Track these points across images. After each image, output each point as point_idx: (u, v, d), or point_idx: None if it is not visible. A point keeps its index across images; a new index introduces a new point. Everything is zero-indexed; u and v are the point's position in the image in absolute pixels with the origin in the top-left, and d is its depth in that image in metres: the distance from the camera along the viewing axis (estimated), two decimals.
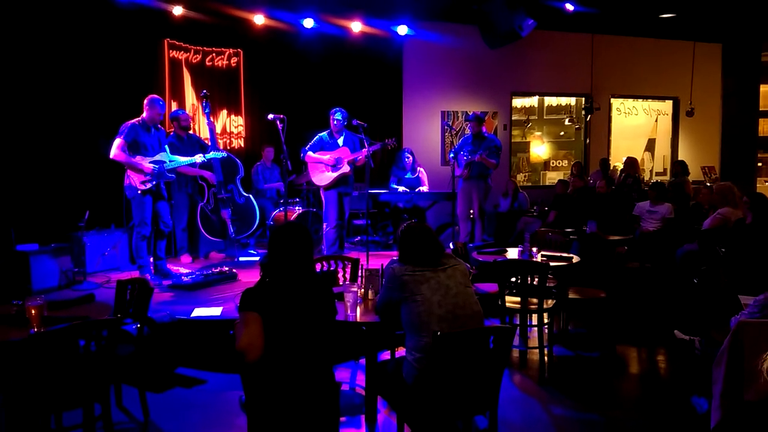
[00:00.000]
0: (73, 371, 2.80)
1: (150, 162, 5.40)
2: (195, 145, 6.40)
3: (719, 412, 2.66)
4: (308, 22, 8.12)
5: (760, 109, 11.28)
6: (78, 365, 2.81)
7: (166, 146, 5.64)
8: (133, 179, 5.39)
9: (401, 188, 7.69)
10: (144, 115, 5.45)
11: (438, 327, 2.64)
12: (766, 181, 11.92)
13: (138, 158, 5.36)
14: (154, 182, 5.41)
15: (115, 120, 6.73)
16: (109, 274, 5.97)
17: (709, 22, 9.69)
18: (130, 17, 7.09)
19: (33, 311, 2.86)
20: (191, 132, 6.85)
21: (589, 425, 3.52)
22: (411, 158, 7.83)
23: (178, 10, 7.43)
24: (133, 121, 5.41)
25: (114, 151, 5.29)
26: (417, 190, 7.70)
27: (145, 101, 5.48)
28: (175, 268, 6.03)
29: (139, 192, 5.39)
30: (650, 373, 4.46)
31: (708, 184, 8.81)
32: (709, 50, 10.79)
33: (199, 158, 5.82)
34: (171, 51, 7.62)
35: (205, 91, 6.29)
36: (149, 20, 7.30)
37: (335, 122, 6.27)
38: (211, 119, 6.42)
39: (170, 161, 5.56)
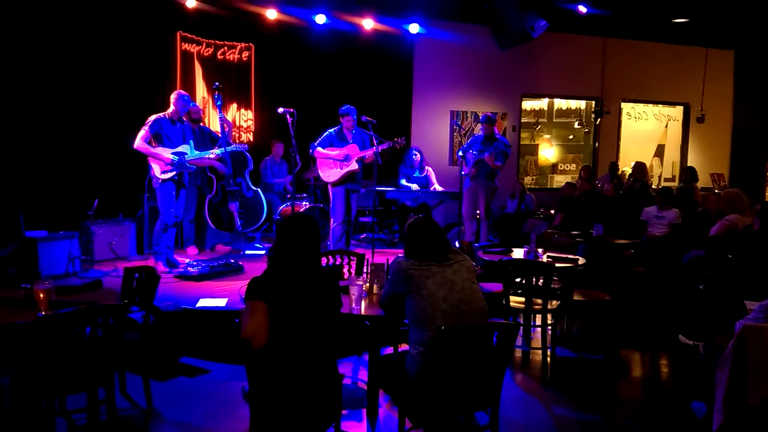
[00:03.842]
0: (78, 355, 2.83)
1: (172, 153, 5.54)
2: (206, 137, 6.44)
3: (721, 415, 2.66)
4: (320, 18, 8.14)
5: None
6: (84, 349, 2.84)
7: (191, 141, 5.77)
8: (154, 169, 5.56)
9: (414, 186, 7.69)
10: (171, 109, 5.65)
11: (442, 322, 2.65)
12: None
13: (160, 149, 5.53)
14: (175, 172, 5.56)
15: (126, 110, 6.81)
16: (116, 263, 6.01)
17: (722, 29, 9.65)
18: (143, 9, 7.13)
19: (41, 295, 2.90)
20: (202, 124, 6.90)
21: (590, 426, 3.52)
22: (419, 156, 7.84)
23: (191, 3, 7.46)
24: (160, 114, 5.62)
25: (137, 141, 5.49)
26: (431, 188, 7.71)
27: (172, 96, 5.69)
28: (181, 259, 6.07)
29: (160, 181, 5.55)
30: (653, 376, 4.45)
31: (716, 191, 8.78)
32: (721, 57, 10.75)
33: (217, 151, 5.88)
34: (183, 44, 7.65)
35: (217, 83, 6.32)
36: (162, 12, 7.33)
37: (349, 122, 6.27)
38: (223, 112, 6.46)
39: (191, 153, 5.68)
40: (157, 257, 5.72)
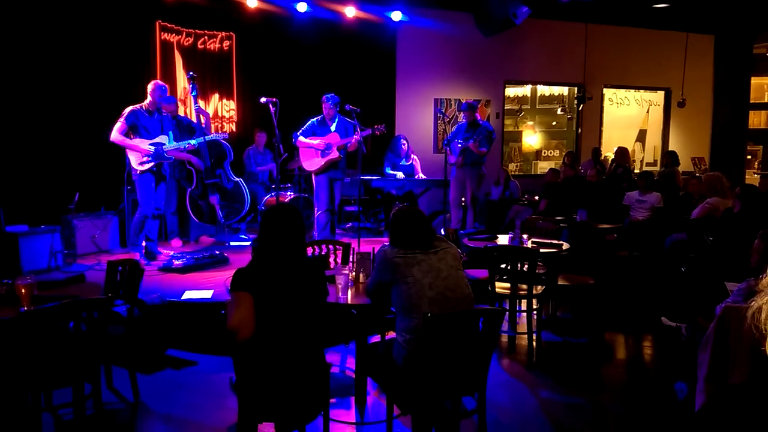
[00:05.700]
0: (63, 350, 2.80)
1: (149, 144, 5.49)
2: (185, 128, 6.36)
3: (703, 395, 2.71)
4: (302, 6, 8.06)
5: (751, 101, 11.36)
6: (68, 344, 2.81)
7: (170, 132, 5.73)
8: (132, 161, 5.52)
9: (399, 174, 7.68)
10: (148, 99, 5.59)
11: (428, 309, 2.66)
12: (755, 173, 12.02)
13: (137, 140, 5.48)
14: (152, 163, 5.51)
15: (106, 102, 6.72)
16: (99, 257, 5.95)
17: (702, 14, 9.72)
18: None
19: (23, 290, 2.86)
20: (183, 115, 6.82)
21: (576, 408, 3.57)
22: (406, 145, 7.84)
23: None
24: (136, 106, 5.56)
25: (113, 134, 5.44)
26: (416, 177, 7.72)
27: (149, 86, 5.62)
28: (165, 251, 6.02)
29: (138, 173, 5.51)
30: (637, 358, 4.51)
31: (697, 175, 8.88)
32: (701, 41, 10.83)
33: (192, 141, 5.83)
34: (162, 33, 7.54)
35: (191, 72, 6.22)
36: (141, 2, 7.21)
37: (328, 110, 6.24)
38: (198, 102, 6.38)
39: (169, 143, 5.64)
40: (136, 249, 5.68)
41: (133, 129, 5.48)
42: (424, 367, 2.65)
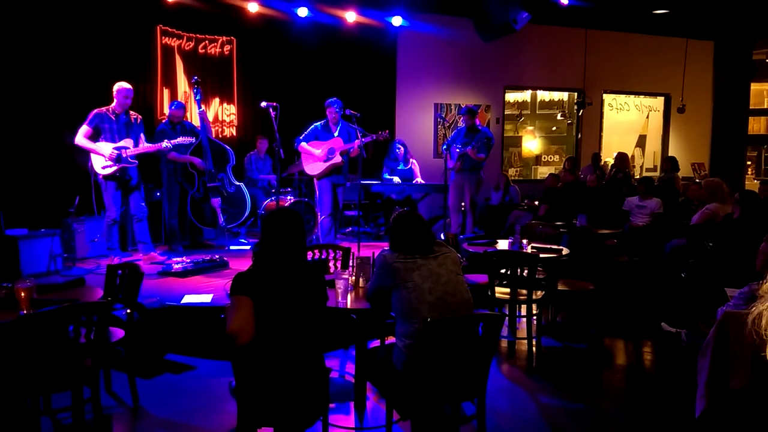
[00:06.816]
0: (62, 354, 2.80)
1: (113, 148, 5.49)
2: (189, 133, 6.39)
3: (704, 400, 2.70)
4: (302, 11, 8.07)
5: (750, 107, 11.39)
6: (67, 348, 2.81)
7: (142, 134, 5.73)
8: (95, 164, 5.53)
9: (396, 179, 7.69)
10: (113, 102, 5.60)
11: (428, 314, 2.66)
12: (754, 179, 12.04)
13: (101, 143, 5.49)
14: (115, 167, 5.49)
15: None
16: (99, 260, 5.95)
17: (701, 20, 9.75)
18: (123, 2, 7.03)
19: (22, 293, 2.86)
20: (185, 120, 6.82)
21: (576, 414, 3.56)
22: (402, 149, 7.84)
23: None
24: (101, 108, 5.57)
25: (77, 137, 5.48)
26: (414, 181, 7.72)
27: (114, 88, 5.62)
28: (162, 256, 6.02)
29: (101, 177, 5.54)
30: (637, 364, 4.50)
31: (697, 181, 8.89)
32: (701, 47, 10.86)
33: (165, 144, 5.79)
34: (164, 38, 7.56)
35: (196, 77, 6.25)
36: (142, 6, 7.23)
37: (333, 114, 6.25)
38: (203, 107, 6.39)
39: (134, 147, 5.63)
40: (111, 252, 5.71)
41: (97, 131, 5.48)
42: (423, 372, 2.64)
